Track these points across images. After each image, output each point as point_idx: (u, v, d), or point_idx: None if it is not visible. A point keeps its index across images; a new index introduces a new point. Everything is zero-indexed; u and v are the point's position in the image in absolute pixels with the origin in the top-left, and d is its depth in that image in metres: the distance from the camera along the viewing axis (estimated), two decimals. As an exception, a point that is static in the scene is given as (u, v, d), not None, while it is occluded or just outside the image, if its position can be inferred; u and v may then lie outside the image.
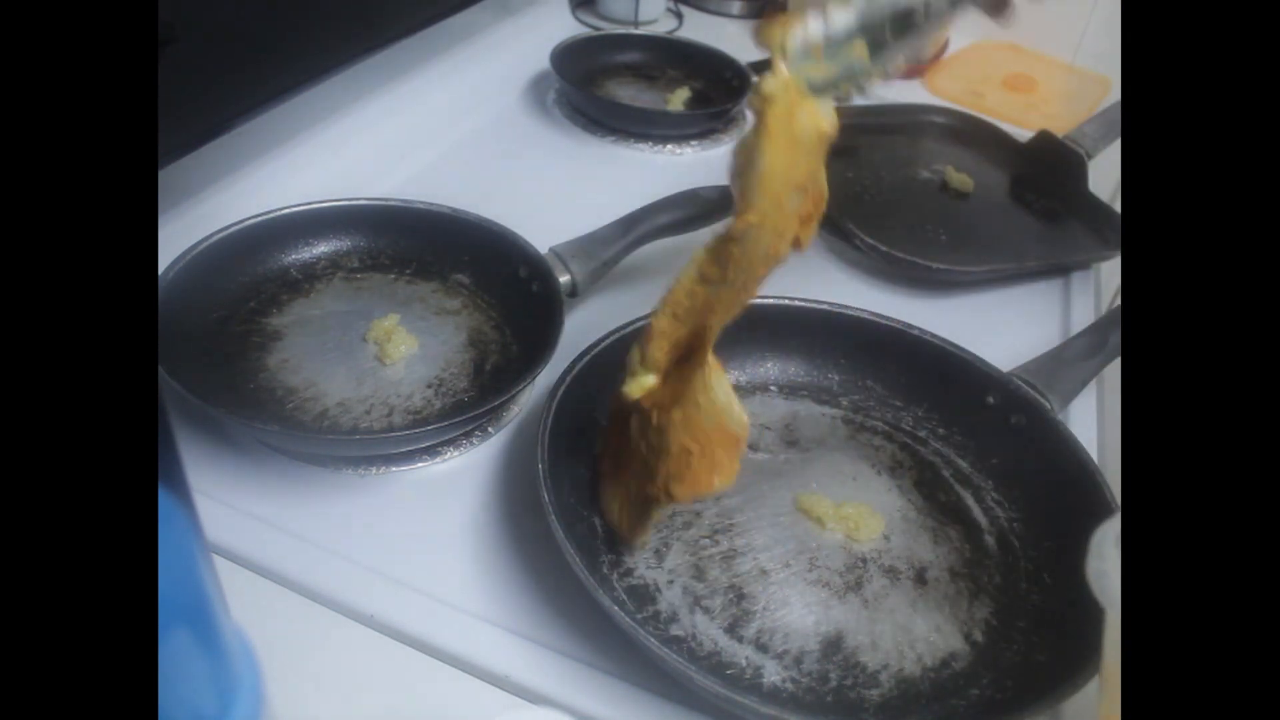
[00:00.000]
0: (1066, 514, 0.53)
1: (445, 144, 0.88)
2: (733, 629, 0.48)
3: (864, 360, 0.63)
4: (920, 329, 0.62)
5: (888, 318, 0.62)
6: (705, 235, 0.69)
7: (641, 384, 0.48)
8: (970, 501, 0.57)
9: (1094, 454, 0.55)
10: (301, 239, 0.66)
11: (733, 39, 1.20)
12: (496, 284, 0.66)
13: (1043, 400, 0.57)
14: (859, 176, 0.91)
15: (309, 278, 0.65)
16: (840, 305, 0.63)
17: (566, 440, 0.52)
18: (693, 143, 0.94)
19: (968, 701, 0.46)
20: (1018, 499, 0.56)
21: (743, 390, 0.63)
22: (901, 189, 0.90)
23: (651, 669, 0.44)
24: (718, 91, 1.02)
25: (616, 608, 0.42)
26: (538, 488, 0.47)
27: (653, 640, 0.41)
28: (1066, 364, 0.61)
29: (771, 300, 0.63)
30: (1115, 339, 0.62)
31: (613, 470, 0.52)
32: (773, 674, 0.46)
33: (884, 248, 0.75)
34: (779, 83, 0.43)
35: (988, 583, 0.52)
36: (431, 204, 0.67)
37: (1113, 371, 0.63)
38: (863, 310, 0.63)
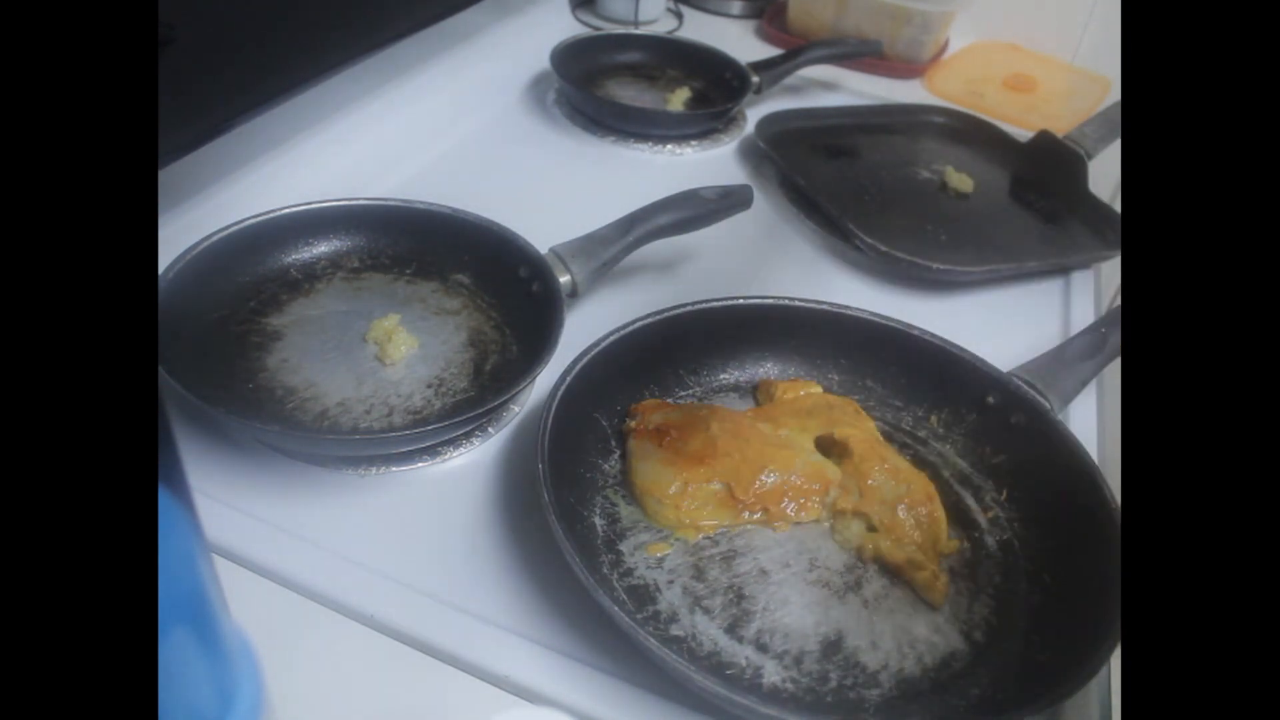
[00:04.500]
0: (1066, 514, 0.53)
1: (445, 144, 0.88)
2: (733, 629, 0.48)
3: (864, 360, 0.63)
4: (920, 329, 0.62)
5: (888, 318, 0.62)
6: (706, 235, 0.70)
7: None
8: (970, 501, 0.57)
9: (1094, 454, 0.55)
10: (301, 239, 0.66)
11: (733, 39, 1.20)
12: (496, 284, 0.66)
13: (1043, 400, 0.57)
14: (859, 176, 0.91)
15: (309, 278, 0.65)
16: (840, 305, 0.63)
17: (566, 440, 0.52)
18: (693, 143, 0.94)
19: (968, 701, 0.46)
20: (1018, 499, 0.56)
21: (742, 390, 0.63)
22: (901, 189, 0.90)
23: (651, 669, 0.44)
24: (718, 91, 1.02)
25: (616, 608, 0.42)
26: (538, 488, 0.47)
27: (653, 640, 0.41)
28: (1066, 364, 0.61)
29: (771, 300, 0.63)
30: (1115, 339, 0.62)
31: (673, 457, 0.54)
32: (773, 674, 0.46)
33: (884, 248, 0.75)
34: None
35: (987, 583, 0.52)
36: (431, 204, 0.67)
37: (1113, 371, 0.63)
38: (863, 310, 0.63)
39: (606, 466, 0.56)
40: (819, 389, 0.62)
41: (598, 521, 0.52)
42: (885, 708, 0.46)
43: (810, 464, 0.55)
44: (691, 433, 0.55)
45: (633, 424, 0.57)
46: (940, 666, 0.48)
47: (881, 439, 0.58)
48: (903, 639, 0.49)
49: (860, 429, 0.58)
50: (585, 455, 0.55)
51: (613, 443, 0.57)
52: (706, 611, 0.49)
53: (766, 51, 1.08)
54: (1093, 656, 0.43)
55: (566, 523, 0.46)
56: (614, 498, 0.54)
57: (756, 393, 0.63)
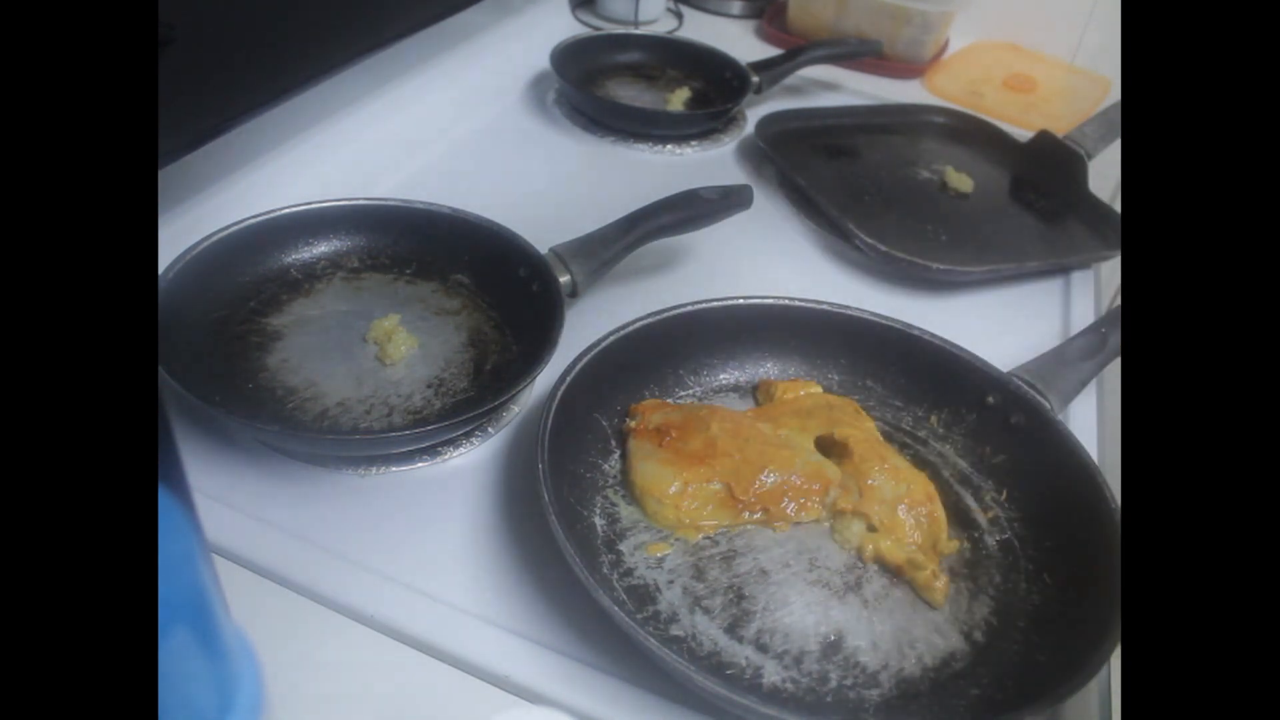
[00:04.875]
0: (1066, 514, 0.53)
1: (445, 144, 0.88)
2: (733, 629, 0.48)
3: (864, 360, 0.63)
4: (920, 329, 0.62)
5: (888, 318, 0.62)
6: (706, 235, 0.70)
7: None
8: (970, 501, 0.57)
9: (1094, 454, 0.55)
10: (301, 239, 0.66)
11: (733, 39, 1.20)
12: (496, 284, 0.66)
13: (1043, 400, 0.57)
14: (859, 176, 0.91)
15: (309, 278, 0.65)
16: (840, 305, 0.63)
17: (566, 440, 0.52)
18: (693, 143, 0.94)
19: (968, 701, 0.46)
20: (1018, 499, 0.56)
21: (742, 390, 0.63)
22: (901, 189, 0.90)
23: (651, 669, 0.44)
24: (718, 91, 1.02)
25: (616, 608, 0.42)
26: (538, 488, 0.47)
27: (653, 640, 0.41)
28: (1066, 364, 0.61)
29: (771, 300, 0.63)
30: (1115, 339, 0.62)
31: (673, 457, 0.54)
32: (773, 674, 0.46)
33: (884, 248, 0.75)
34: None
35: (987, 583, 0.52)
36: (431, 204, 0.67)
37: (1113, 372, 0.63)
38: (863, 310, 0.63)
39: (606, 466, 0.56)
40: (819, 389, 0.62)
41: (598, 521, 0.52)
42: (885, 708, 0.46)
43: (810, 464, 0.55)
44: (691, 433, 0.55)
45: (633, 424, 0.57)
46: (940, 666, 0.48)
47: (881, 439, 0.58)
48: (903, 639, 0.49)
49: (860, 429, 0.58)
50: (585, 455, 0.55)
51: (613, 443, 0.57)
52: (706, 611, 0.49)
53: (766, 51, 1.08)
54: (1093, 656, 0.43)
55: (566, 523, 0.46)
56: (614, 498, 0.54)
57: (756, 393, 0.63)
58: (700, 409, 0.58)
